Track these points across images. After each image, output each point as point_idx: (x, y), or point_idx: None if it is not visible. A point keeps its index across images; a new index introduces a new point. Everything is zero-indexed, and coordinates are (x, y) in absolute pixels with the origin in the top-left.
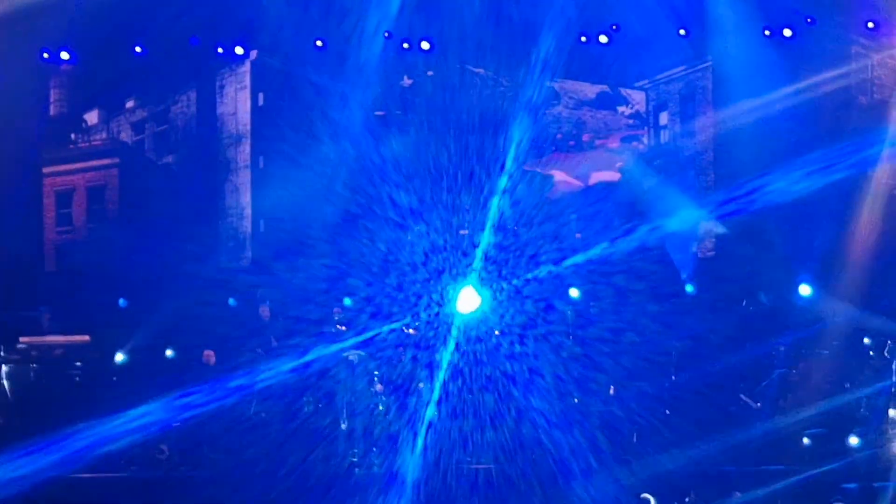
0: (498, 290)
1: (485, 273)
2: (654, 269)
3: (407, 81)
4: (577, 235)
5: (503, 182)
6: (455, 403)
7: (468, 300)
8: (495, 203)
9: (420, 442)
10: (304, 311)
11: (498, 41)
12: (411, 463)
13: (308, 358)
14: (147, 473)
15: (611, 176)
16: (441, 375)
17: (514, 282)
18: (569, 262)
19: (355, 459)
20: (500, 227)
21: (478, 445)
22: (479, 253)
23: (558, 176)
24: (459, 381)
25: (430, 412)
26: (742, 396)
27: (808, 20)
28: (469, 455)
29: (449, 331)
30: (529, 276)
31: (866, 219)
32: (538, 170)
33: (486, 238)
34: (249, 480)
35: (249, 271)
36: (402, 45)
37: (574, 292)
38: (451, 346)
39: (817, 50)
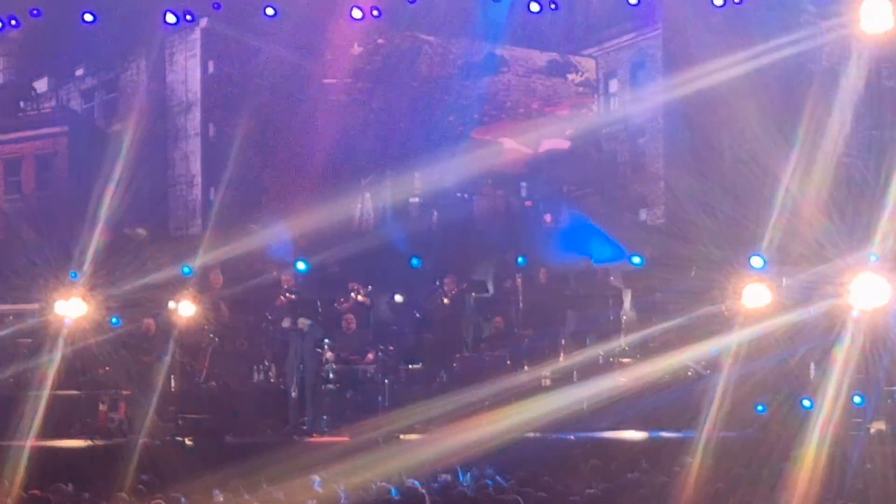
0: None
1: None
2: None
3: (357, 49)
4: (527, 203)
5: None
6: None
7: None
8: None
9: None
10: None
11: (448, 9)
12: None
13: None
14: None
15: (560, 143)
16: None
17: None
18: None
19: (305, 427)
20: None
21: None
22: None
23: (507, 143)
24: None
25: None
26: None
27: None
28: None
29: None
30: None
31: (816, 187)
32: (487, 137)
33: None
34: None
35: (199, 238)
36: (351, 14)
37: None
38: None
39: (767, 17)
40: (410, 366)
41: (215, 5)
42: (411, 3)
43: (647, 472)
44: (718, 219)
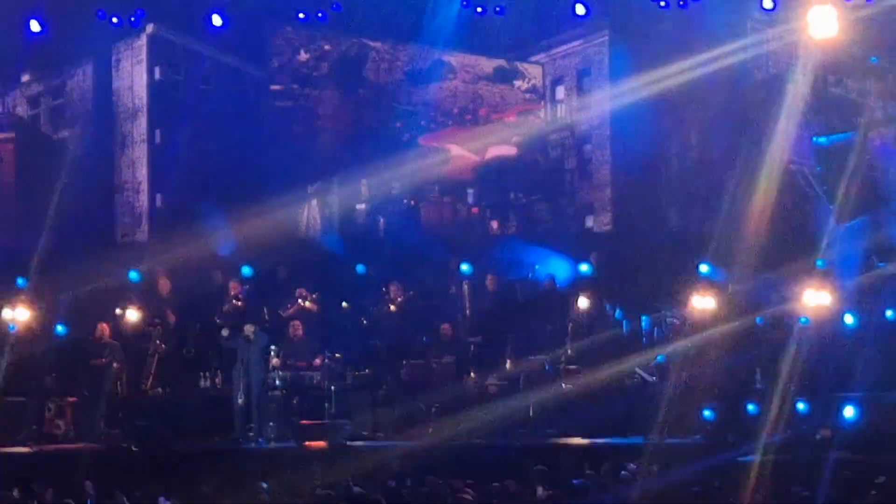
0: None
1: None
2: None
3: (303, 56)
4: (474, 210)
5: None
6: None
7: None
8: None
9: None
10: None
11: (395, 15)
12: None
13: None
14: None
15: (507, 150)
16: None
17: None
18: None
19: (251, 434)
20: None
21: None
22: None
23: (454, 150)
24: None
25: None
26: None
27: None
28: None
29: None
30: None
31: (762, 193)
32: (434, 143)
33: None
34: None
35: (146, 245)
36: (297, 17)
37: None
38: None
39: (714, 24)
40: (357, 372)
41: (161, 11)
42: None
43: (591, 477)
44: (666, 226)
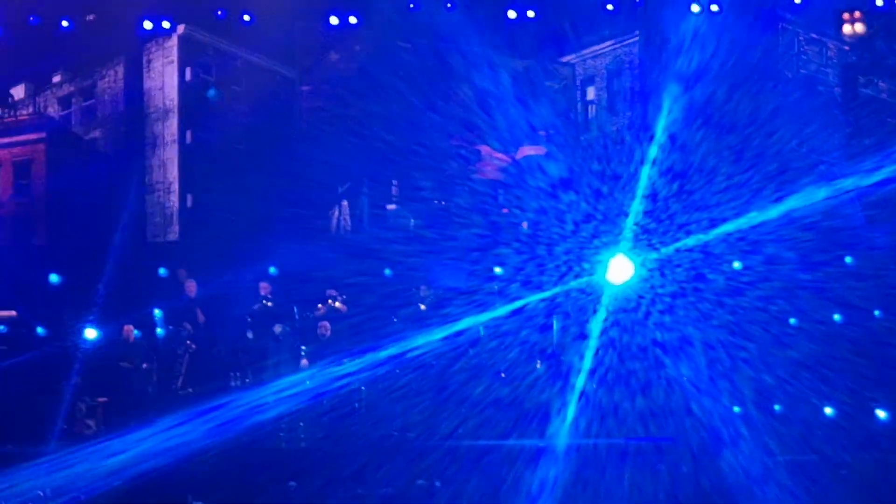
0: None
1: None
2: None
3: (334, 57)
4: (504, 210)
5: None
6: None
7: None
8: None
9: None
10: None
11: (426, 16)
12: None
13: None
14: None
15: (538, 150)
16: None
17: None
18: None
19: (281, 434)
20: None
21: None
22: None
23: (485, 150)
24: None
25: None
26: None
27: None
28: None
29: None
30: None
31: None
32: (465, 144)
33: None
34: None
35: (177, 246)
36: (328, 18)
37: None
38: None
39: (745, 25)
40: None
41: (193, 12)
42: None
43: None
44: None
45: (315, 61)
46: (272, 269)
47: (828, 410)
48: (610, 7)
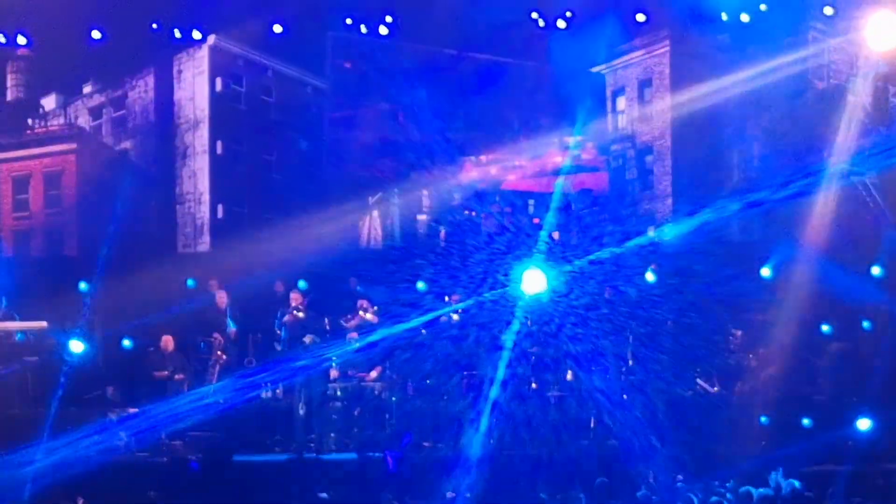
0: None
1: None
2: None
3: (362, 66)
4: (535, 221)
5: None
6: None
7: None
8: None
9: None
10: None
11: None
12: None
13: None
14: None
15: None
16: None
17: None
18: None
19: (313, 445)
20: None
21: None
22: None
23: (516, 161)
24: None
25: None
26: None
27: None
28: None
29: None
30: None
31: (821, 202)
32: (496, 154)
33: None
34: None
35: (207, 256)
36: (357, 27)
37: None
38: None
39: (774, 35)
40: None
41: (223, 23)
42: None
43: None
44: (727, 237)
45: (344, 71)
46: (300, 283)
47: None
48: (641, 17)
